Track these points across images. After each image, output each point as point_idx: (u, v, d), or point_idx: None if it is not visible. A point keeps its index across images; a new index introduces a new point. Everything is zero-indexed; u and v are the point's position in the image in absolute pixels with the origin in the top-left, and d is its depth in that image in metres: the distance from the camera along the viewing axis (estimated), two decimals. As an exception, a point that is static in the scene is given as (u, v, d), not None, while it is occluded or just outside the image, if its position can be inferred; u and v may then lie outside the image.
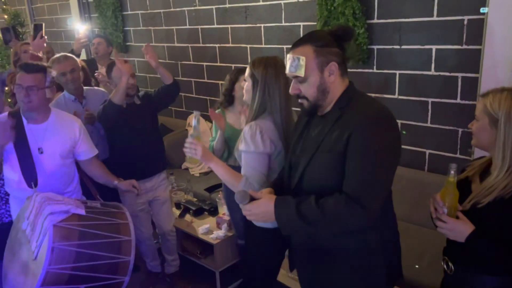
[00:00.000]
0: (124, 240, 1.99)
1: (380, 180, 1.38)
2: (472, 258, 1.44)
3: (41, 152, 2.21)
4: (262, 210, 1.48)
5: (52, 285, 1.80)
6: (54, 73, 2.28)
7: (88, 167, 2.45)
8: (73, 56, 2.94)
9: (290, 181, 1.59)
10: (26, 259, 1.91)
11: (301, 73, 1.43)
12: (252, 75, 1.90)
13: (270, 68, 1.88)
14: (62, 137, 2.28)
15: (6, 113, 2.27)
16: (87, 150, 2.39)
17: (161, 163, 2.93)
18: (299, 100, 1.51)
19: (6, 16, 6.66)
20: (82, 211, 1.96)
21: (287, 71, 1.48)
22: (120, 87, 2.53)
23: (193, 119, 1.85)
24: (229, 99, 2.65)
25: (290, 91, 1.50)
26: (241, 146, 1.83)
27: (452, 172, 1.38)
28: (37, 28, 3.25)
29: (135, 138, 2.71)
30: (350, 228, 1.42)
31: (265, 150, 1.81)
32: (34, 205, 1.99)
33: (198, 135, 1.82)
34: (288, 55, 1.47)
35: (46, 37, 3.29)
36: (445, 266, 1.55)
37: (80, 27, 4.95)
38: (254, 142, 1.80)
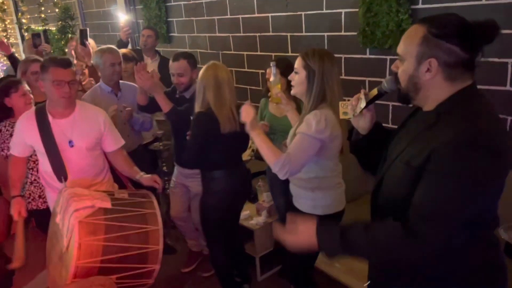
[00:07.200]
0: (152, 230, 1.99)
1: (454, 212, 1.15)
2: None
3: (72, 146, 2.24)
4: (302, 241, 1.35)
5: (84, 277, 1.82)
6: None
7: (113, 159, 2.47)
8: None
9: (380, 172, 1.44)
10: (61, 251, 1.96)
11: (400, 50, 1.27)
12: (306, 66, 1.94)
13: (326, 57, 1.95)
14: (89, 130, 2.30)
15: (33, 109, 2.32)
16: (113, 141, 2.41)
17: None
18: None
19: (57, 10, 6.97)
20: (108, 204, 1.96)
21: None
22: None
23: (271, 68, 2.14)
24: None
25: (392, 66, 1.34)
26: (301, 128, 1.91)
27: None
28: (83, 33, 3.39)
29: None
30: (405, 259, 1.25)
31: (323, 137, 1.90)
32: (62, 200, 2.02)
33: (278, 82, 2.10)
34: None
35: (89, 42, 3.45)
36: None
37: (121, 16, 5.10)
38: (318, 127, 1.87)
